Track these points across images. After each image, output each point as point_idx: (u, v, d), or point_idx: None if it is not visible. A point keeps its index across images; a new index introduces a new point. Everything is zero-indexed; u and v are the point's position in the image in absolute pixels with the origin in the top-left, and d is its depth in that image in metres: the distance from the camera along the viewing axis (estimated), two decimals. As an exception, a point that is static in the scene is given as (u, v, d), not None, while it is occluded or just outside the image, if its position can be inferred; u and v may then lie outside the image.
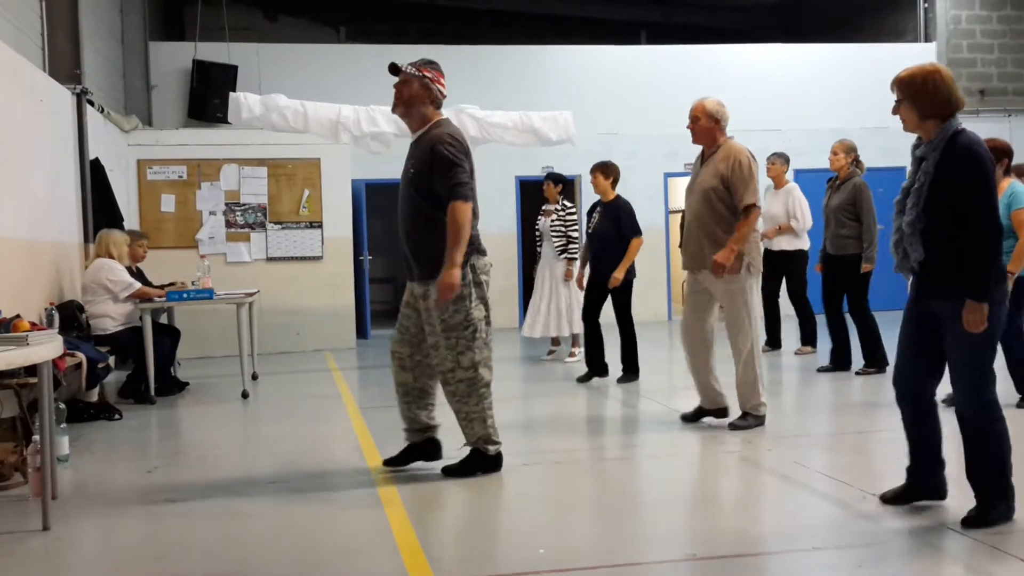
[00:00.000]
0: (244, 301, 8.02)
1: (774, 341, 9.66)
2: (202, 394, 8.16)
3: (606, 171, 8.00)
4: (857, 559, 3.54)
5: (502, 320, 12.94)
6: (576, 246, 9.06)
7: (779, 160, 9.59)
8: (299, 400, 7.83)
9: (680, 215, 6.35)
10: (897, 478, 4.24)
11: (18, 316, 5.18)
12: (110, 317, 7.46)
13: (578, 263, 8.59)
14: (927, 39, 14.91)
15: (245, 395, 7.77)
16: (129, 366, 7.83)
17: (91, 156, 8.82)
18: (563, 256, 9.15)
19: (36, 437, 4.57)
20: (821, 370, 8.24)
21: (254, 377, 8.73)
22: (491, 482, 4.82)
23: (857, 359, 8.08)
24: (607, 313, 7.91)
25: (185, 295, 7.80)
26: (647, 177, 13.76)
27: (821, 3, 16.53)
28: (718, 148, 5.86)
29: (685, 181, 6.14)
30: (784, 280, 9.48)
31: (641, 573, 3.50)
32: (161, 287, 8.08)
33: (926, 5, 14.96)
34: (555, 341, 9.77)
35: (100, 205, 8.93)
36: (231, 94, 9.56)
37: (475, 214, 4.78)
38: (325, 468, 5.25)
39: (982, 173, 3.71)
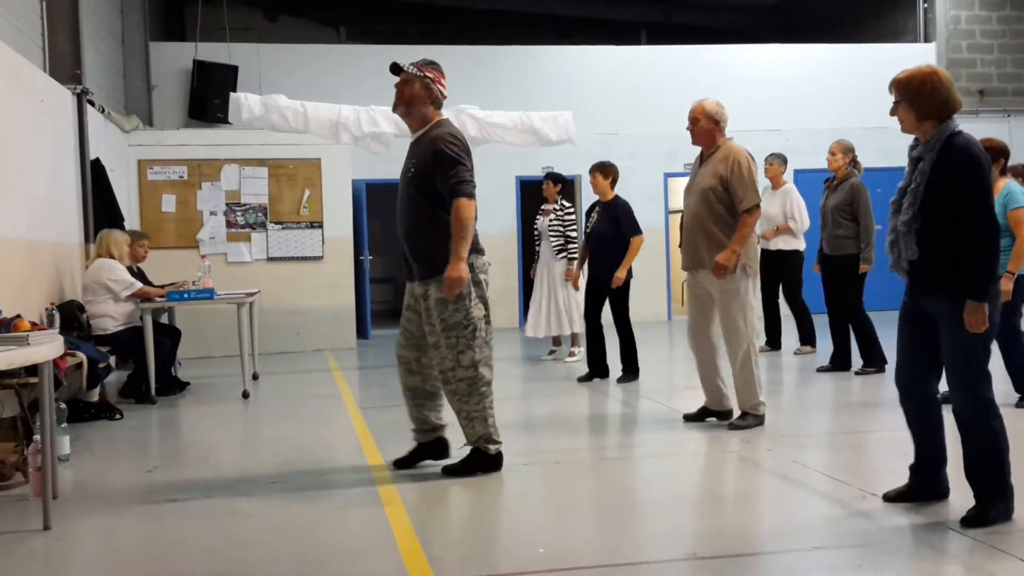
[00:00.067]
0: (245, 301, 8.03)
1: (774, 342, 9.67)
2: (203, 394, 8.17)
3: (605, 171, 8.01)
4: (857, 559, 3.55)
5: (502, 320, 12.95)
6: (575, 246, 9.08)
7: (776, 161, 9.59)
8: (299, 400, 7.83)
9: (680, 215, 6.36)
10: (896, 477, 4.25)
11: (19, 316, 5.19)
12: (111, 317, 7.47)
13: (576, 263, 8.61)
14: (927, 39, 14.92)
15: (246, 395, 7.78)
16: (130, 366, 7.84)
17: (92, 156, 8.82)
18: (561, 256, 9.16)
19: (37, 437, 4.57)
20: (821, 370, 8.24)
21: (255, 377, 8.74)
22: (491, 482, 4.83)
23: (856, 360, 8.09)
24: (606, 313, 7.92)
25: (186, 295, 7.80)
26: (647, 177, 13.77)
27: (821, 3, 16.53)
28: (717, 149, 5.87)
29: (685, 181, 6.16)
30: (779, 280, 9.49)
31: (641, 573, 3.50)
32: (162, 287, 8.09)
33: (925, 5, 14.97)
34: (556, 341, 9.78)
35: (101, 205, 8.93)
36: (231, 94, 9.57)
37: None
38: (325, 468, 5.25)
39: (978, 174, 3.74)
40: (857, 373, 7.95)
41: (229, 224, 10.99)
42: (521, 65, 13.90)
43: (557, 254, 9.19)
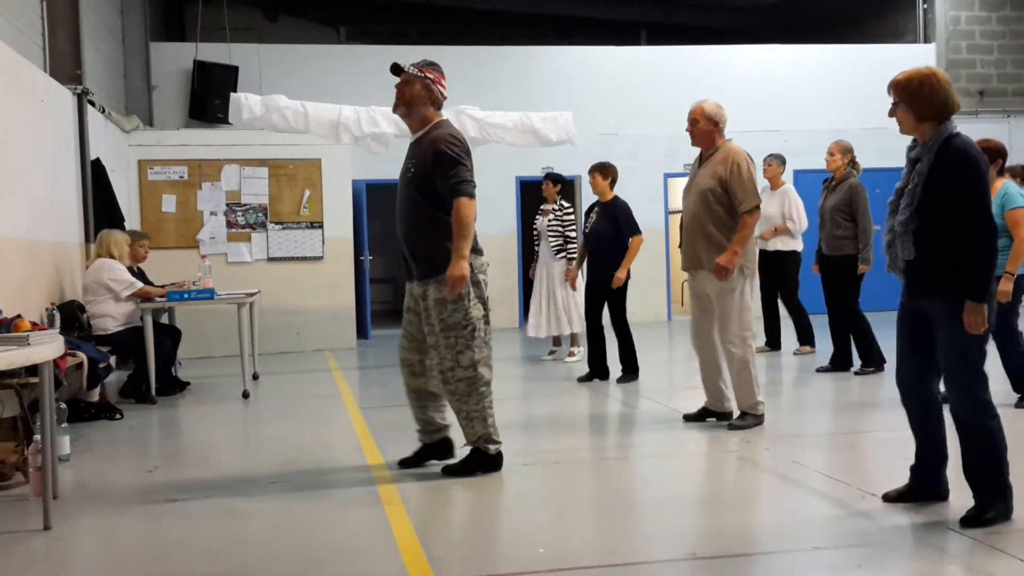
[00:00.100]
0: (245, 301, 8.03)
1: (774, 342, 9.67)
2: (203, 394, 8.17)
3: (604, 172, 8.02)
4: (856, 558, 3.55)
5: (502, 320, 12.96)
6: (574, 246, 9.08)
7: (775, 161, 9.59)
8: (299, 400, 7.84)
9: (680, 216, 6.37)
10: (896, 477, 4.25)
11: (19, 316, 5.20)
12: (111, 317, 7.48)
13: (575, 263, 8.62)
14: (926, 40, 14.92)
15: (246, 395, 7.78)
16: (130, 366, 7.84)
17: (92, 156, 8.83)
18: (560, 256, 9.17)
19: (37, 437, 4.58)
20: (820, 370, 8.25)
21: (255, 377, 8.74)
22: (491, 482, 4.83)
23: (856, 360, 8.09)
24: (606, 313, 7.93)
25: (186, 295, 7.81)
26: (647, 177, 13.77)
27: (821, 3, 16.53)
28: (716, 150, 5.88)
29: (685, 182, 6.17)
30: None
31: (641, 573, 3.51)
32: (162, 287, 8.09)
33: (925, 6, 14.97)
34: (556, 341, 9.78)
35: (101, 205, 8.93)
36: (232, 94, 9.57)
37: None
38: (325, 468, 5.26)
39: (976, 176, 3.75)
40: (856, 373, 7.96)
41: (229, 224, 10.99)
42: (521, 65, 13.91)
43: (556, 254, 9.19)
